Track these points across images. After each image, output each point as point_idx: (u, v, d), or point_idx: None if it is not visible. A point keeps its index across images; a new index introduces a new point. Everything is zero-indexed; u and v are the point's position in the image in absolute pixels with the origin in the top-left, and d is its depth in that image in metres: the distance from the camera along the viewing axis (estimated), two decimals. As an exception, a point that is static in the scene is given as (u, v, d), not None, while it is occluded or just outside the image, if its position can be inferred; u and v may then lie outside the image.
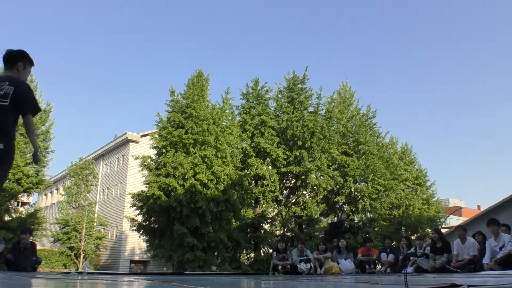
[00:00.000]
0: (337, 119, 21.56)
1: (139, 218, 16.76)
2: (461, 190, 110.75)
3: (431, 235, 9.53)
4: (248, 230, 18.45)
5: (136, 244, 24.86)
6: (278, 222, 19.42)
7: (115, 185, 28.40)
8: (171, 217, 15.45)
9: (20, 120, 3.75)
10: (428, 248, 9.05)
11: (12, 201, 18.54)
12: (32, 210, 20.58)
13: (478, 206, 54.68)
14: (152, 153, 17.51)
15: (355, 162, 20.71)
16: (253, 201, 18.90)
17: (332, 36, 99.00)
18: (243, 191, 17.33)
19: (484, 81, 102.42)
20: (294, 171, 19.08)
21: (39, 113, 3.56)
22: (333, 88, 53.39)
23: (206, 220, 15.54)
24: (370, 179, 20.37)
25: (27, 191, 18.13)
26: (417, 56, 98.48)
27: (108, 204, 28.57)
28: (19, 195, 18.66)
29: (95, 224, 25.28)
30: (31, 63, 3.93)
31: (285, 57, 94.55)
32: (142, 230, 16.53)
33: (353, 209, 20.99)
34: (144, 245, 19.03)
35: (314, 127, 18.81)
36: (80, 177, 24.87)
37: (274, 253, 10.08)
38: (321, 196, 19.83)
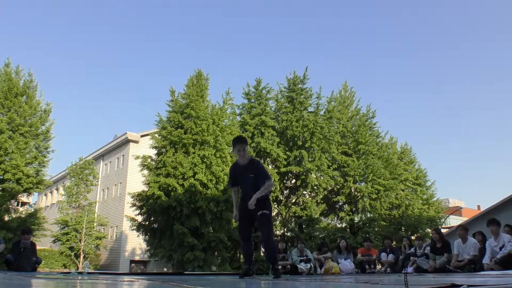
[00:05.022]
0: (337, 119, 21.58)
1: (139, 218, 16.75)
2: (461, 190, 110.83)
3: (431, 235, 9.52)
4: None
5: (136, 244, 24.86)
6: (278, 222, 19.41)
7: (115, 185, 28.40)
8: (171, 217, 15.44)
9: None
10: (428, 248, 9.04)
11: (12, 201, 18.51)
12: (32, 210, 20.55)
13: (478, 206, 54.69)
14: (152, 153, 17.51)
15: (355, 162, 20.72)
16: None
17: (332, 36, 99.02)
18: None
19: (484, 81, 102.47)
20: (294, 171, 19.08)
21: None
22: (333, 88, 53.42)
23: (206, 220, 15.53)
24: (370, 179, 20.36)
25: (27, 191, 18.09)
26: (417, 56, 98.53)
27: (108, 204, 28.56)
28: (19, 195, 18.63)
29: (95, 224, 25.28)
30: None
31: (285, 57, 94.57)
32: (142, 230, 16.52)
33: (353, 209, 20.99)
34: (144, 245, 19.03)
35: (314, 127, 18.82)
36: (80, 177, 24.87)
37: (274, 253, 10.05)
38: (321, 196, 19.81)
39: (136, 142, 27.39)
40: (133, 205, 16.54)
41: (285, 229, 19.38)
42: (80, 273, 8.96)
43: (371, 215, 21.03)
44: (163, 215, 15.66)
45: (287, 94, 20.54)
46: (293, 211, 19.39)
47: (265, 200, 5.22)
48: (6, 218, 17.91)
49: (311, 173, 19.04)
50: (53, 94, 73.49)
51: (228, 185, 5.61)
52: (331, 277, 7.09)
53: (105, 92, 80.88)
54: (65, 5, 71.27)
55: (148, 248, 16.95)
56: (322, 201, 20.30)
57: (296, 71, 20.77)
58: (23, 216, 18.80)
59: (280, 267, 5.30)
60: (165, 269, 20.40)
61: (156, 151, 17.27)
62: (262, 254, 18.33)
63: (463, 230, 8.32)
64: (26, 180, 17.47)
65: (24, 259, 8.66)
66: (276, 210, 19.77)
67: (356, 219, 21.37)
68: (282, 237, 18.19)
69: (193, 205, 15.41)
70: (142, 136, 27.02)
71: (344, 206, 21.22)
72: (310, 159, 18.96)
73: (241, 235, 5.38)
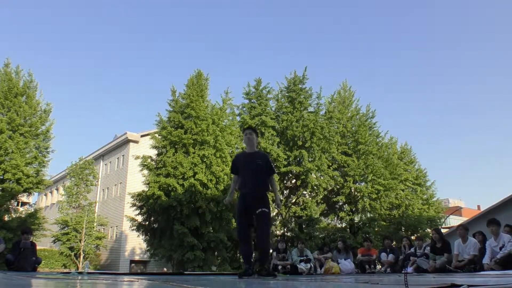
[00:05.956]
0: (337, 119, 21.57)
1: (139, 218, 16.75)
2: (461, 190, 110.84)
3: (431, 235, 9.52)
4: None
5: (136, 244, 24.86)
6: (278, 222, 19.41)
7: (115, 185, 28.40)
8: (171, 217, 15.44)
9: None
10: (428, 248, 9.04)
11: (12, 201, 18.52)
12: (32, 210, 20.56)
13: (478, 206, 54.71)
14: (152, 153, 17.52)
15: (355, 162, 20.72)
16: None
17: (332, 36, 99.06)
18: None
19: (484, 81, 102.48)
20: (294, 171, 19.08)
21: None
22: (333, 88, 53.45)
23: (206, 220, 15.53)
24: (370, 179, 20.37)
25: (27, 191, 18.09)
26: (417, 56, 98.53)
27: (108, 204, 28.57)
28: (19, 195, 18.63)
29: (95, 224, 25.29)
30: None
31: (285, 57, 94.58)
32: (142, 230, 16.52)
33: (353, 209, 20.99)
34: (144, 245, 19.04)
35: (314, 127, 18.82)
36: (80, 177, 24.88)
37: (274, 253, 10.07)
38: (321, 196, 19.81)
39: (136, 142, 27.40)
40: (133, 205, 16.55)
41: (285, 229, 19.37)
42: (80, 273, 8.96)
43: (371, 215, 21.03)
44: (163, 215, 15.66)
45: (287, 94, 20.55)
46: (293, 211, 19.38)
47: (264, 197, 5.07)
48: (6, 218, 17.91)
49: (311, 173, 19.03)
50: (53, 94, 73.53)
51: (230, 171, 5.45)
52: (331, 277, 7.09)
53: (105, 92, 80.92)
54: (65, 5, 71.31)
55: (148, 248, 16.95)
56: (322, 201, 20.30)
57: (296, 71, 20.81)
58: (23, 216, 18.80)
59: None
60: (165, 269, 20.39)
61: (156, 151, 17.28)
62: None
63: (463, 230, 8.31)
64: (26, 180, 17.47)
65: (24, 259, 8.66)
66: (276, 210, 19.76)
67: (356, 219, 21.37)
68: (282, 237, 18.17)
69: (193, 205, 15.42)
70: (142, 136, 27.03)
71: (344, 206, 21.22)
72: (310, 159, 18.96)
73: (240, 236, 5.14)
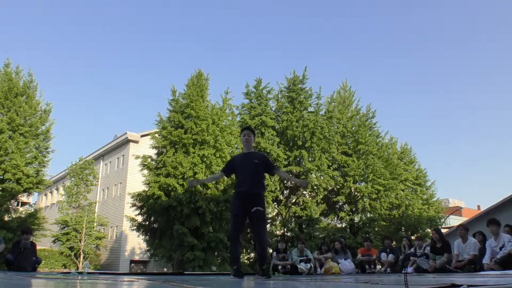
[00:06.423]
0: (337, 119, 21.58)
1: (139, 218, 16.76)
2: (461, 190, 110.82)
3: (431, 235, 9.52)
4: (248, 230, 18.44)
5: (136, 244, 24.86)
6: (278, 222, 19.41)
7: (115, 185, 28.40)
8: (171, 217, 15.45)
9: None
10: (428, 248, 9.04)
11: (12, 201, 18.52)
12: (32, 210, 20.56)
13: (478, 206, 54.67)
14: (152, 153, 17.52)
15: (355, 162, 20.72)
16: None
17: (332, 36, 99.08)
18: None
19: (484, 82, 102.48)
20: (294, 171, 19.08)
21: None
22: (333, 88, 53.43)
23: (206, 220, 15.53)
24: (370, 179, 20.37)
25: (27, 191, 18.09)
26: (417, 56, 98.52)
27: (108, 204, 28.56)
28: (19, 195, 18.64)
29: (95, 224, 25.29)
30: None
31: (285, 57, 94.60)
32: (142, 230, 16.53)
33: (353, 209, 20.99)
34: (144, 245, 19.04)
35: (314, 127, 18.83)
36: (80, 177, 24.88)
37: (274, 253, 10.07)
38: (321, 196, 19.81)
39: (136, 142, 27.39)
40: (133, 205, 16.55)
41: (285, 229, 19.37)
42: (80, 273, 8.97)
43: (371, 215, 21.03)
44: (163, 215, 15.66)
45: (287, 94, 20.55)
46: (293, 211, 19.38)
47: (260, 196, 5.03)
48: (6, 218, 17.91)
49: (311, 173, 19.04)
50: (53, 94, 73.53)
51: (222, 169, 5.46)
52: (331, 277, 7.09)
53: (105, 92, 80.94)
54: (65, 5, 71.32)
55: (148, 248, 16.95)
56: (322, 201, 20.29)
57: (295, 71, 20.83)
58: (23, 216, 18.80)
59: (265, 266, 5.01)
60: (165, 269, 20.40)
61: (156, 151, 17.28)
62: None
63: (463, 230, 8.30)
64: (26, 180, 17.47)
65: (24, 259, 8.65)
66: (276, 210, 19.77)
67: (356, 219, 21.37)
68: (282, 237, 18.17)
69: (193, 205, 15.42)
70: (142, 136, 27.03)
71: (344, 206, 21.22)
72: (310, 159, 18.96)
73: (234, 235, 5.06)
